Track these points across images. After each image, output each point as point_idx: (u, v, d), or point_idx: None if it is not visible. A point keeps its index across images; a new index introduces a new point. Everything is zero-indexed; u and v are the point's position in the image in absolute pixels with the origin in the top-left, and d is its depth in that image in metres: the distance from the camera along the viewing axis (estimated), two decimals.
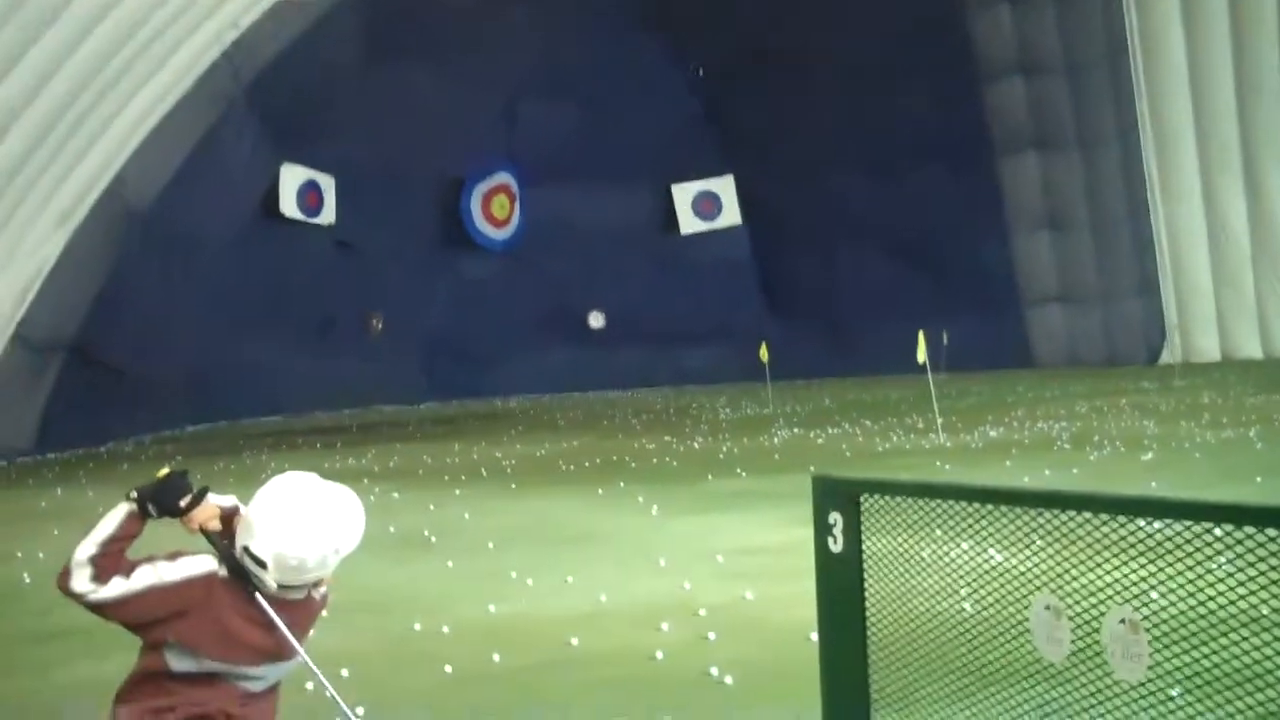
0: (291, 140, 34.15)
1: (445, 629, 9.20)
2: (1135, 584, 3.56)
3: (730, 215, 43.33)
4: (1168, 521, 3.43)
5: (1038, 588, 3.79)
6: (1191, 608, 3.40)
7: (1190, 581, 3.40)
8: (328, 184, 36.62)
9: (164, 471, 3.97)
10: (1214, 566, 3.35)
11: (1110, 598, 3.58)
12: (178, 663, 3.76)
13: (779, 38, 38.79)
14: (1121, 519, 3.57)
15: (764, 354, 29.73)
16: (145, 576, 3.74)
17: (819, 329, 40.47)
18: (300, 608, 3.92)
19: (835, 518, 4.41)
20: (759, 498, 14.81)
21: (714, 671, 7.61)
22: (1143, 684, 3.46)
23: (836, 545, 4.41)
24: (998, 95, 38.07)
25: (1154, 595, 3.53)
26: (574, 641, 8.63)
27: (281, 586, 3.82)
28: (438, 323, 40.22)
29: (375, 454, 23.32)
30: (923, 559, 4.32)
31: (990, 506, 3.98)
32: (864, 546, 4.38)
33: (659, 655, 8.15)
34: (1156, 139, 36.26)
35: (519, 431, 27.38)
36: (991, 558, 4.12)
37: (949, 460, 17.37)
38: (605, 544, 12.63)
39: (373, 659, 8.43)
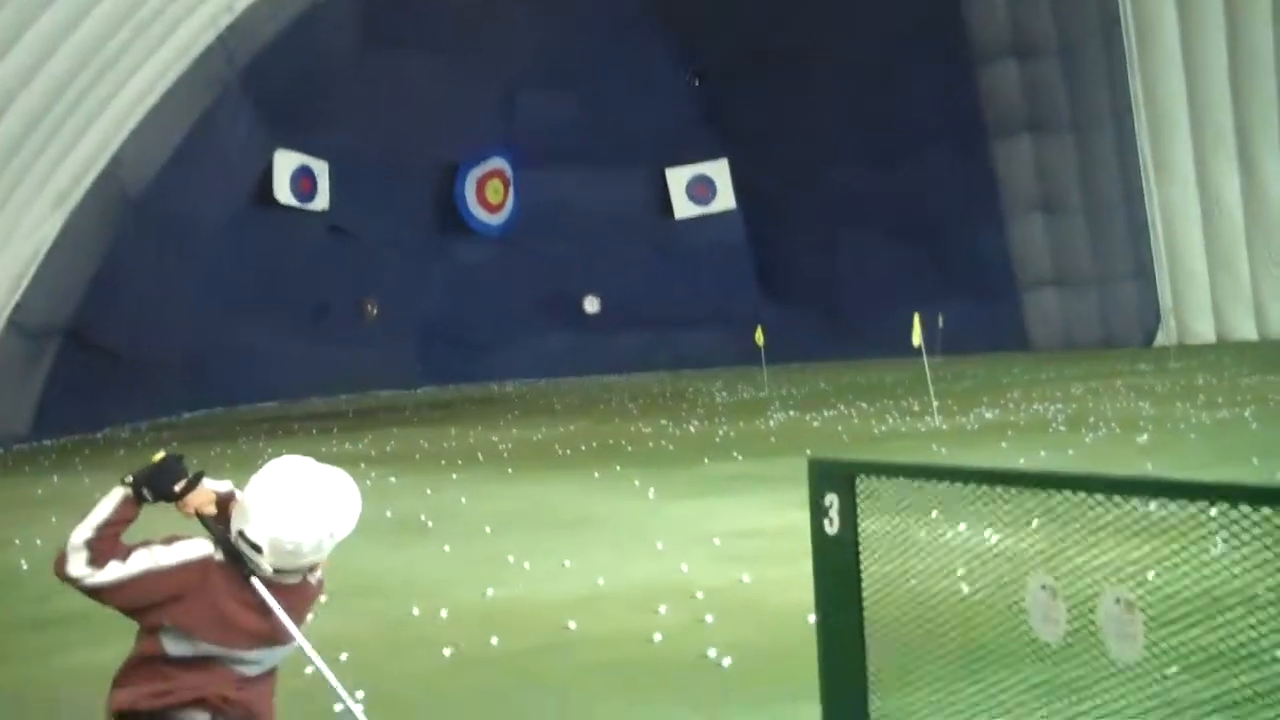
0: (286, 125, 34.13)
1: (443, 613, 9.21)
2: (1131, 564, 3.57)
3: (724, 199, 43.34)
4: (1163, 501, 3.43)
5: (1033, 568, 3.80)
6: (1186, 587, 3.41)
7: (1185, 561, 3.41)
8: (321, 169, 36.59)
9: (159, 456, 3.97)
10: (1209, 546, 3.36)
11: (1106, 578, 3.59)
12: (174, 647, 3.76)
13: (776, 23, 38.76)
14: (1117, 499, 3.58)
15: (759, 337, 29.75)
16: (141, 561, 3.74)
17: (814, 312, 40.50)
18: (296, 592, 3.92)
19: (831, 500, 4.41)
20: (755, 481, 14.82)
21: (711, 653, 7.63)
22: (1138, 663, 3.47)
23: (833, 527, 4.42)
24: (992, 78, 38.07)
25: (1149, 575, 3.54)
26: (571, 625, 8.64)
27: (277, 571, 3.82)
28: (433, 308, 40.23)
29: (372, 439, 23.33)
30: (919, 540, 4.32)
31: (986, 488, 3.99)
32: (860, 528, 4.38)
33: (657, 638, 8.17)
34: (1150, 121, 36.24)
35: (515, 416, 27.39)
36: (987, 539, 4.13)
37: (945, 443, 17.38)
38: (602, 528, 12.64)
39: (371, 643, 8.44)
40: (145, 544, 3.78)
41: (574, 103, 39.83)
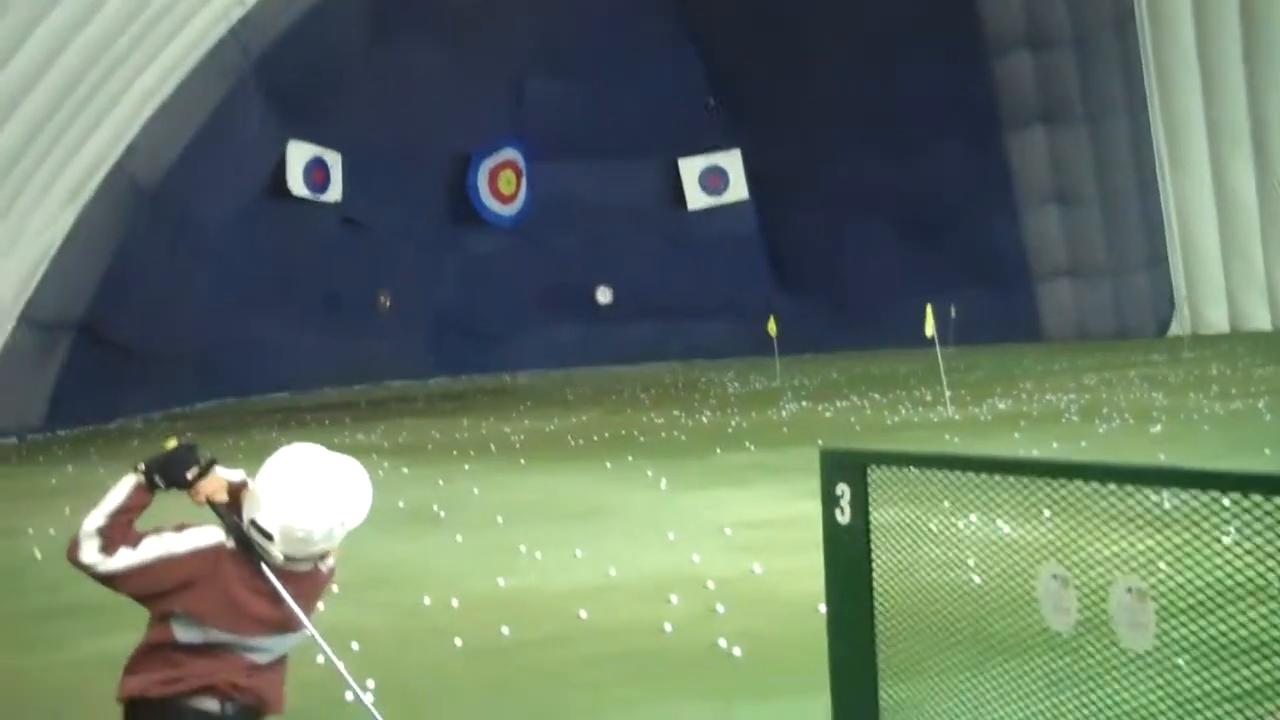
0: (298, 117, 34.15)
1: (455, 603, 9.22)
2: (1143, 553, 3.57)
3: (737, 190, 43.30)
4: (1175, 491, 3.42)
5: (1045, 559, 3.79)
6: (1199, 576, 3.40)
7: (1197, 550, 3.40)
8: (334, 161, 36.62)
9: (171, 443, 3.98)
10: (1221, 535, 3.35)
11: (1117, 567, 3.58)
12: (184, 634, 3.78)
13: (787, 13, 38.69)
14: (1129, 489, 3.57)
15: (772, 328, 29.73)
16: (153, 548, 3.75)
17: (827, 303, 40.45)
18: (307, 580, 3.93)
19: (843, 489, 4.41)
20: (767, 471, 14.82)
21: (723, 643, 7.63)
22: (1148, 653, 3.47)
23: (844, 517, 4.41)
24: (1005, 69, 37.96)
25: (1161, 565, 3.54)
26: (583, 615, 8.65)
27: (288, 559, 3.83)
28: (446, 299, 40.26)
29: (384, 429, 23.37)
30: (930, 530, 4.32)
31: (998, 477, 3.98)
32: (871, 518, 4.37)
33: (668, 628, 8.17)
34: (1165, 112, 36.13)
35: (527, 407, 27.41)
36: (999, 529, 4.12)
37: (957, 433, 17.36)
38: (614, 518, 12.65)
39: (382, 633, 8.45)
40: (157, 531, 3.80)
41: (585, 93, 39.82)
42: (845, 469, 4.44)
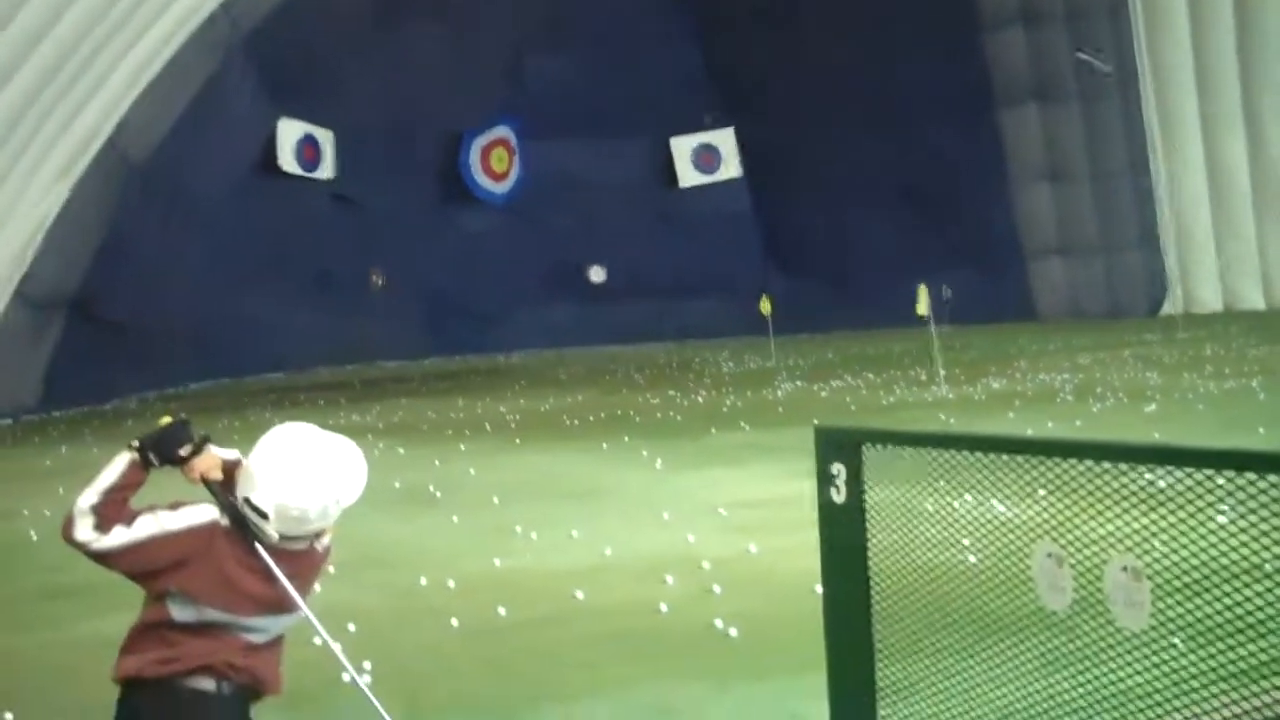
0: (290, 93, 34.04)
1: (451, 583, 9.23)
2: (1138, 531, 3.57)
3: (730, 168, 43.17)
4: (1170, 469, 3.43)
5: (1040, 538, 3.80)
6: (1194, 554, 3.41)
7: (1192, 529, 3.41)
8: (326, 138, 36.52)
9: (165, 420, 3.97)
10: (1216, 514, 3.35)
11: (1112, 546, 3.59)
12: (180, 613, 3.77)
13: None
14: (1124, 468, 3.57)
15: (766, 307, 29.69)
16: (146, 526, 3.75)
17: (821, 282, 40.37)
18: (302, 559, 3.93)
19: (838, 468, 4.41)
20: (762, 451, 14.84)
21: (718, 624, 7.65)
22: (1144, 632, 3.48)
23: (839, 496, 4.41)
24: (998, 45, 37.84)
25: (1156, 544, 3.54)
26: (579, 595, 8.66)
27: (283, 537, 3.83)
28: (440, 278, 40.14)
29: (379, 410, 23.36)
30: (926, 510, 4.32)
31: (993, 456, 3.98)
32: (867, 497, 4.37)
33: (663, 608, 8.19)
34: (1157, 89, 36.09)
35: (522, 387, 27.40)
36: (994, 508, 4.13)
37: (952, 413, 17.39)
38: (609, 498, 12.67)
39: (379, 613, 8.47)
40: (151, 509, 3.79)
41: (578, 71, 39.66)
42: (840, 448, 4.44)
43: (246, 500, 3.80)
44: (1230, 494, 3.26)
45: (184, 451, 3.89)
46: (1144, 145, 36.38)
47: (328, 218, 37.11)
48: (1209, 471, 3.32)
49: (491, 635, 7.92)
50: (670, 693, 6.64)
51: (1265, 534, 3.21)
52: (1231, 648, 3.41)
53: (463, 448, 17.21)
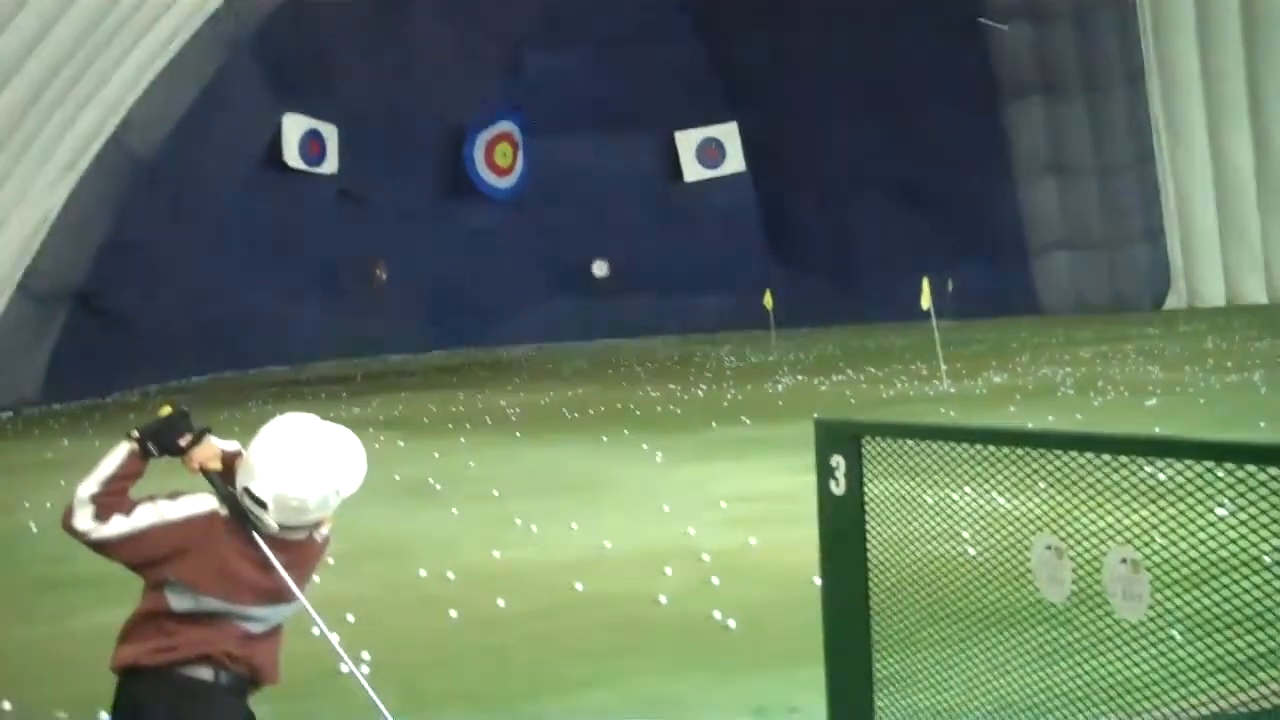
0: (294, 88, 34.02)
1: (450, 575, 9.24)
2: (1137, 524, 3.57)
3: (734, 162, 43.12)
4: (1169, 462, 3.42)
5: (1040, 530, 3.79)
6: (1193, 547, 3.40)
7: (1192, 521, 3.40)
8: (330, 133, 36.50)
9: (165, 410, 3.97)
10: (1215, 507, 3.35)
11: (1112, 539, 3.58)
12: (178, 602, 3.78)
13: None
14: (1124, 460, 3.57)
15: (768, 301, 29.69)
16: (146, 515, 3.75)
17: (823, 276, 40.36)
18: (302, 549, 3.93)
19: (838, 461, 4.41)
20: (763, 445, 14.83)
21: (717, 616, 7.65)
22: (1142, 624, 3.47)
23: (839, 488, 4.41)
24: (1003, 39, 37.79)
25: (1156, 536, 3.54)
26: (579, 587, 8.67)
27: (283, 527, 3.83)
28: (443, 271, 40.11)
29: (380, 402, 23.36)
30: (925, 503, 4.32)
31: (993, 449, 3.98)
32: (866, 490, 4.37)
33: (663, 600, 8.19)
34: (1163, 84, 36.05)
35: (524, 380, 27.41)
36: (994, 501, 4.12)
37: (953, 407, 17.37)
38: (610, 491, 12.67)
39: (379, 604, 8.47)
40: (150, 498, 3.80)
41: (582, 66, 39.65)
42: (840, 440, 4.43)
43: (246, 490, 3.80)
44: (1230, 486, 3.26)
45: (183, 442, 3.90)
46: (1149, 139, 36.36)
47: (332, 212, 37.10)
48: (1209, 464, 3.32)
49: (491, 627, 7.92)
50: (669, 684, 6.64)
51: (1265, 526, 3.20)
52: (1230, 639, 3.41)
53: (463, 441, 17.21)
